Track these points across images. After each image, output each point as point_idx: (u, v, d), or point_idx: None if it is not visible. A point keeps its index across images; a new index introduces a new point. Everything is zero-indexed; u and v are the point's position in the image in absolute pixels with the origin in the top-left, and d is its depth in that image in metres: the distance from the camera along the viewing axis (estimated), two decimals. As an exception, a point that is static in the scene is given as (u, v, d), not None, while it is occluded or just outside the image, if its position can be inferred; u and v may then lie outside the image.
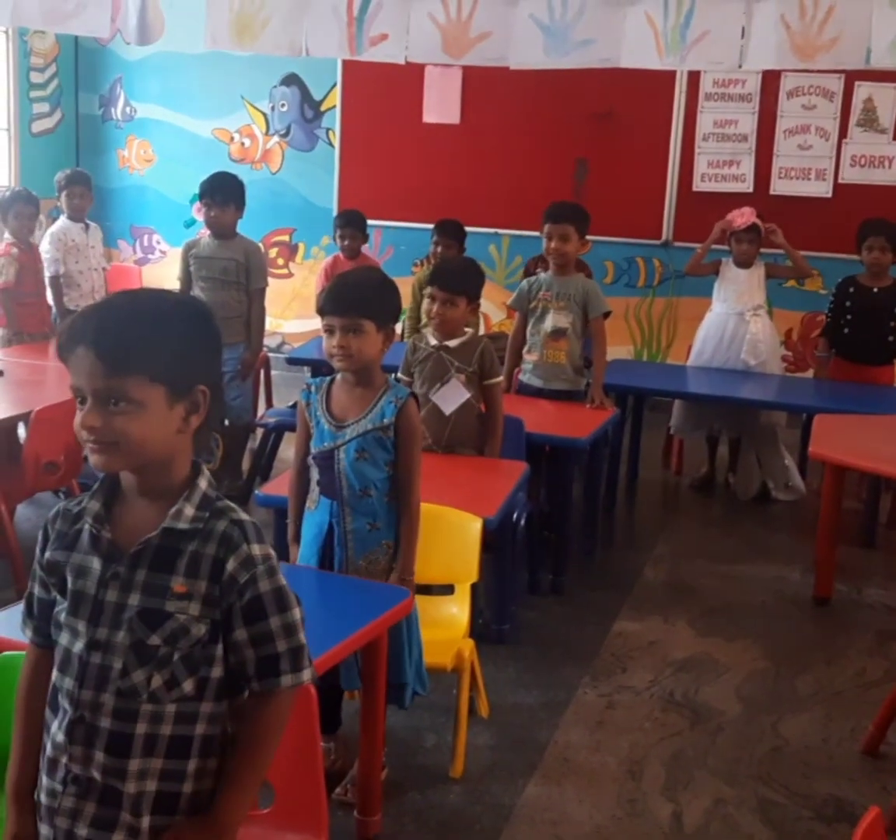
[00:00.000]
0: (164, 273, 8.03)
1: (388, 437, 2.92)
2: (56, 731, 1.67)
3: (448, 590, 3.31)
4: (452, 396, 4.02)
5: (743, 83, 7.10)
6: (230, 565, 1.61)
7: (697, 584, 4.65)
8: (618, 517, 5.49)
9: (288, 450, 5.59)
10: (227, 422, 5.31)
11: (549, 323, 4.86)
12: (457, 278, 4.02)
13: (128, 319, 1.59)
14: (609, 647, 4.01)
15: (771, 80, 7.02)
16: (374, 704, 2.78)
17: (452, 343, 4.02)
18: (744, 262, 5.72)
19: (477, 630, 3.43)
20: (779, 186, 7.09)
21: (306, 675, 1.69)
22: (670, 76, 7.16)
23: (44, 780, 1.69)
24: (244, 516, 1.67)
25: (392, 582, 2.91)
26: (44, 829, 1.69)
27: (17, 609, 2.58)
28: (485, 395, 4.09)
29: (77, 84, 8.45)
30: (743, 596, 4.55)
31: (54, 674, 1.70)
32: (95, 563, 1.65)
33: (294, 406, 5.87)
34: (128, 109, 8.43)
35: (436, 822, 2.94)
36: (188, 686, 1.63)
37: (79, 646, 1.65)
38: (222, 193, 5.28)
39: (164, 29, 5.45)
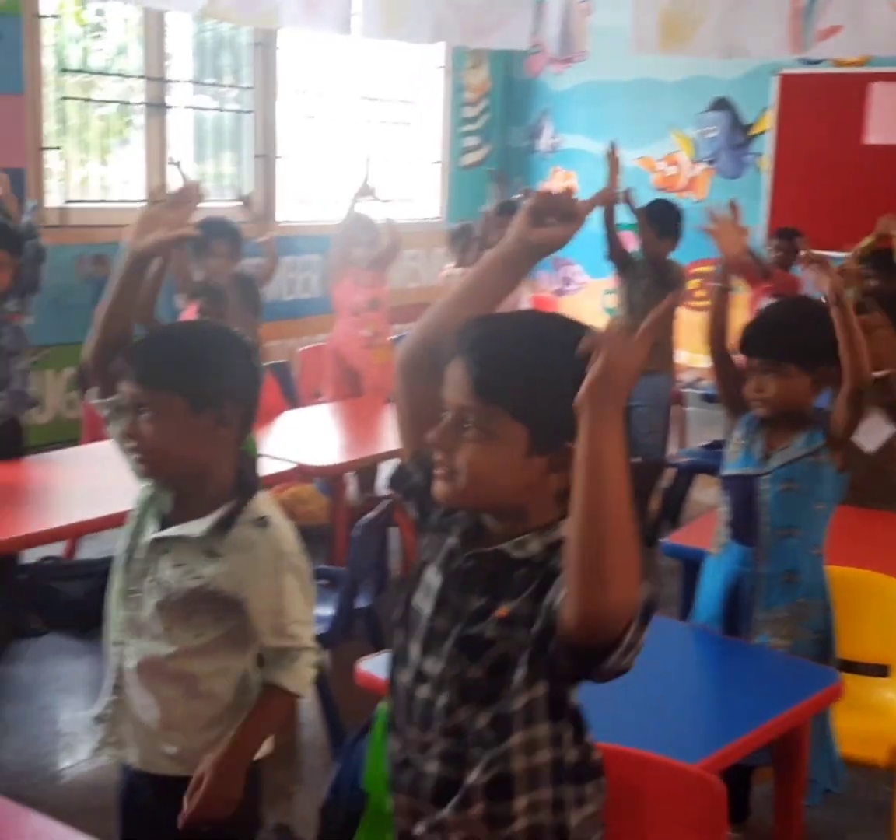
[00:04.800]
0: (582, 305, 8.02)
1: (822, 462, 2.55)
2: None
3: (880, 671, 2.86)
4: (874, 431, 3.54)
5: None
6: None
7: None
8: None
9: (701, 493, 5.27)
10: (637, 458, 5.09)
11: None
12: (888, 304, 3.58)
13: (508, 341, 1.39)
14: None
15: None
16: (790, 796, 2.42)
17: (876, 374, 3.56)
18: None
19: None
20: None
21: None
22: None
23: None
24: None
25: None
26: None
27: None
28: None
29: (506, 117, 8.61)
30: None
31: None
32: (437, 581, 1.47)
33: (709, 446, 5.61)
34: (553, 140, 8.48)
35: None
36: None
37: (406, 676, 1.49)
38: (657, 224, 5.15)
39: (587, 40, 5.33)
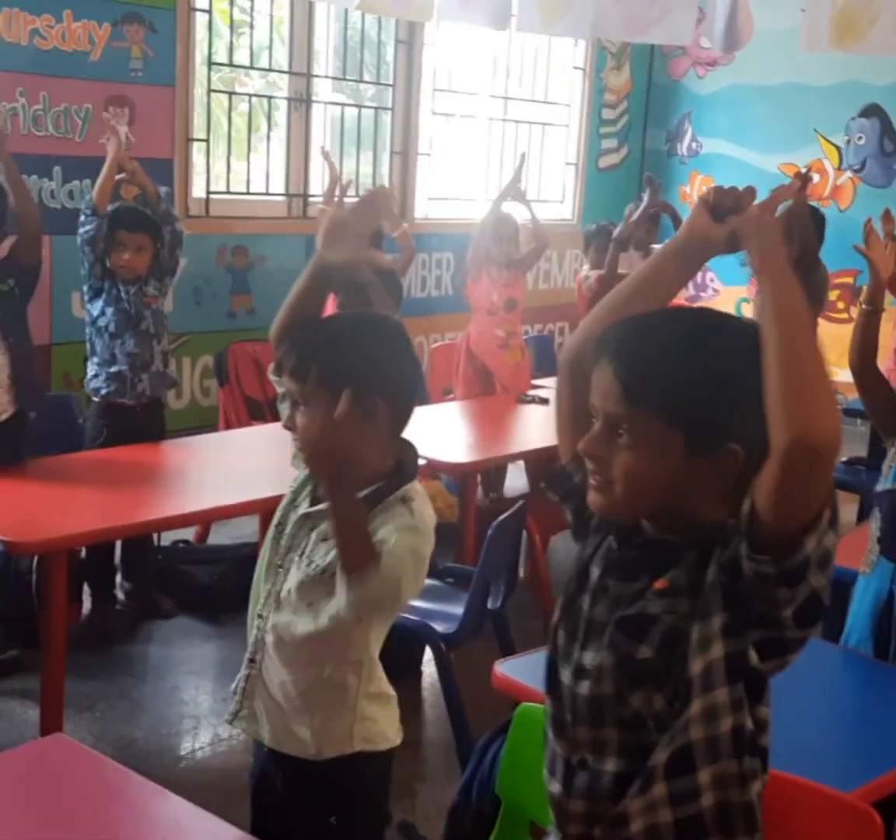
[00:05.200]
0: (714, 311, 7.85)
1: None
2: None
3: None
4: None
5: None
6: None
7: None
8: None
9: (846, 512, 5.08)
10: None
11: None
12: None
13: (654, 342, 1.33)
14: None
15: None
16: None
17: None
18: None
19: None
20: None
21: None
22: None
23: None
24: None
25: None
26: None
27: (541, 655, 2.42)
28: None
29: (646, 120, 8.49)
30: None
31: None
32: (596, 573, 1.41)
33: (848, 462, 5.42)
34: (694, 145, 8.33)
35: None
36: None
37: (567, 674, 1.42)
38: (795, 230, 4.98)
39: (753, 34, 5.16)
